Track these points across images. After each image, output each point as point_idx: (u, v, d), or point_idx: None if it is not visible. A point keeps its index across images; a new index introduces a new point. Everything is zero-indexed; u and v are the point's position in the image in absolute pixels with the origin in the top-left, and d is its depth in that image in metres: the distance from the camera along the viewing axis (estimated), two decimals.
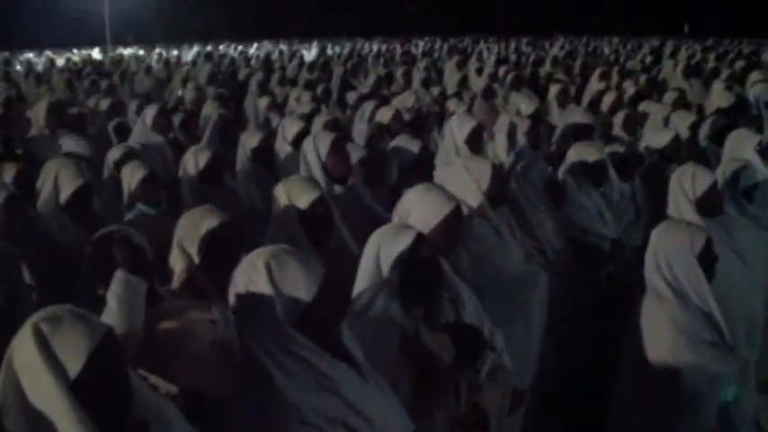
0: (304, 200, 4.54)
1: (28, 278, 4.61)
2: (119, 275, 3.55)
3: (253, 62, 22.91)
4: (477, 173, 4.86)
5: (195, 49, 31.06)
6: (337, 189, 5.54)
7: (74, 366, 2.29)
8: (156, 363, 3.28)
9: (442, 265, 3.66)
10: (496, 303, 4.16)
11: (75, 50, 32.93)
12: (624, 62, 20.22)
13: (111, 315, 3.47)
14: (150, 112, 8.28)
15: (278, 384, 2.76)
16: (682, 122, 8.18)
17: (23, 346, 2.32)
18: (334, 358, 2.86)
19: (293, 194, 4.57)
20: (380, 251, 3.45)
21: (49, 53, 30.12)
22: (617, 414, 4.36)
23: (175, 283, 3.94)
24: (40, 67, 22.98)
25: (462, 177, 4.87)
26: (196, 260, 3.89)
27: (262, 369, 2.79)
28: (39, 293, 4.60)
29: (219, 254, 3.85)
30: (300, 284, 2.83)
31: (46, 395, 2.28)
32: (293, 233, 4.43)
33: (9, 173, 5.63)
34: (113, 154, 6.75)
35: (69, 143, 7.41)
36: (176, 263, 3.95)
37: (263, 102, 10.52)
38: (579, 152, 6.19)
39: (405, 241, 3.44)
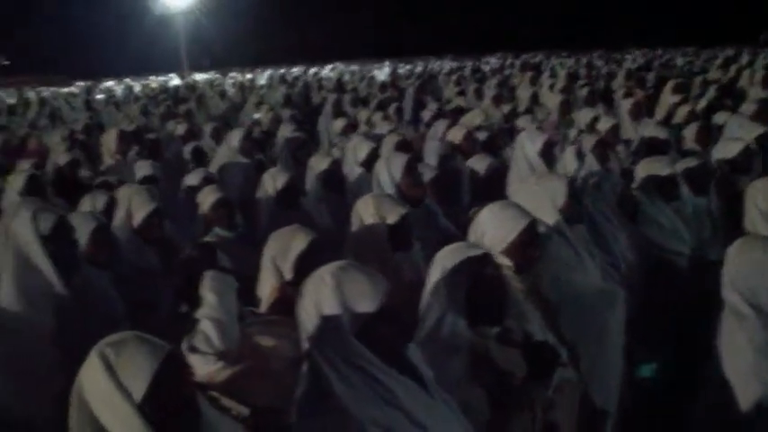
0: (394, 215, 4.60)
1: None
2: (210, 273, 3.68)
3: (325, 84, 23.09)
4: (552, 190, 4.81)
5: (269, 72, 31.44)
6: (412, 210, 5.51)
7: (138, 389, 2.35)
8: (232, 382, 3.33)
9: (508, 283, 3.66)
10: (575, 322, 4.12)
11: (152, 77, 33.54)
12: (698, 73, 19.86)
13: (209, 307, 3.57)
14: (236, 135, 8.38)
15: (339, 396, 2.77)
16: (747, 133, 7.97)
17: (91, 373, 2.39)
18: (398, 374, 2.87)
19: (383, 209, 4.64)
20: (445, 267, 3.46)
21: (127, 80, 30.84)
22: None
23: (266, 301, 3.99)
24: (119, 95, 23.46)
25: (537, 195, 4.82)
26: (288, 278, 3.93)
27: (324, 381, 2.81)
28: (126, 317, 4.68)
29: (310, 271, 3.89)
30: (364, 298, 2.86)
31: (117, 420, 2.34)
32: (378, 246, 4.50)
33: (100, 202, 5.82)
34: (192, 179, 6.84)
35: (142, 168, 7.54)
36: (267, 282, 4.00)
37: (339, 123, 10.58)
38: (649, 167, 6.08)
39: (469, 257, 3.45)
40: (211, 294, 3.64)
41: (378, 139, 7.55)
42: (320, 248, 4.01)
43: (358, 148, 7.08)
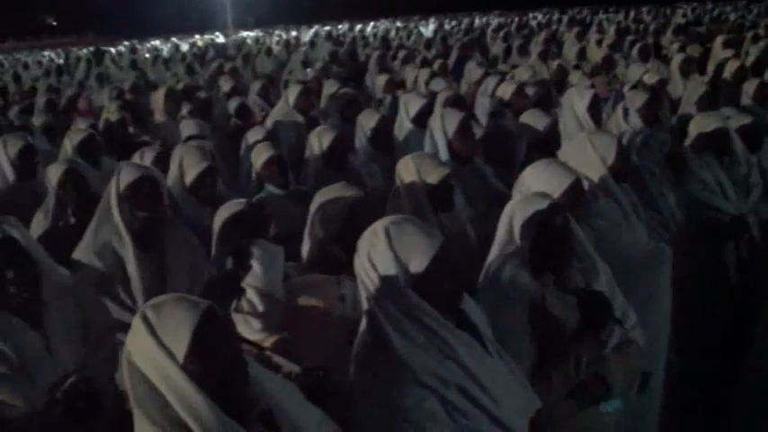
0: (435, 176, 4.60)
1: None
2: (258, 243, 3.72)
3: (371, 40, 22.99)
4: (603, 148, 4.80)
5: (314, 29, 31.38)
6: (461, 168, 5.50)
7: (180, 348, 2.37)
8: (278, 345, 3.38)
9: (578, 235, 3.67)
10: (622, 282, 4.11)
11: (197, 36, 33.63)
12: (750, 27, 19.46)
13: (255, 278, 3.62)
14: (293, 91, 8.39)
15: (397, 349, 2.81)
16: None
17: (136, 336, 2.43)
18: (455, 327, 2.90)
19: (423, 169, 4.63)
20: (514, 219, 3.51)
21: (174, 39, 30.95)
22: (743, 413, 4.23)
23: (308, 254, 4.02)
24: (165, 53, 23.56)
25: (587, 152, 4.81)
26: (332, 233, 3.94)
27: (382, 334, 2.85)
28: None
29: (355, 228, 3.91)
30: (417, 251, 2.87)
31: (164, 380, 2.38)
32: (419, 207, 4.49)
33: (149, 156, 5.88)
34: (253, 136, 6.85)
35: (189, 127, 7.60)
36: (311, 236, 4.03)
37: (382, 80, 10.56)
38: (699, 123, 6.01)
39: (538, 208, 3.49)
40: (258, 265, 3.66)
41: (429, 96, 7.49)
42: (366, 206, 4.00)
43: (409, 104, 6.99)
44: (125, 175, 4.31)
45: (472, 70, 11.07)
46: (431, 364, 2.81)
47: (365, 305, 2.97)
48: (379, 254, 2.91)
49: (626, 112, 6.58)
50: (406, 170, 4.71)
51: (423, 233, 2.93)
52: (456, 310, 2.97)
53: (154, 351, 2.37)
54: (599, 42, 15.24)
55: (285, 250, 3.99)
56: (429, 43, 18.82)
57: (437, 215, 4.58)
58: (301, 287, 3.74)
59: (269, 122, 8.10)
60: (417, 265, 2.86)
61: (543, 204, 3.50)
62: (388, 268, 2.87)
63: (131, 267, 4.21)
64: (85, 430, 3.24)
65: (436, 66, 12.03)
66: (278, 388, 2.66)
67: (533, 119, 6.30)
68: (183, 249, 4.43)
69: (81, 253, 4.27)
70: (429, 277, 2.85)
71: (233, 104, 9.01)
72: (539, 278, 3.44)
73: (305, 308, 3.66)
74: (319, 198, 4.07)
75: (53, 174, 5.29)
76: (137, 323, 2.42)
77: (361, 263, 2.98)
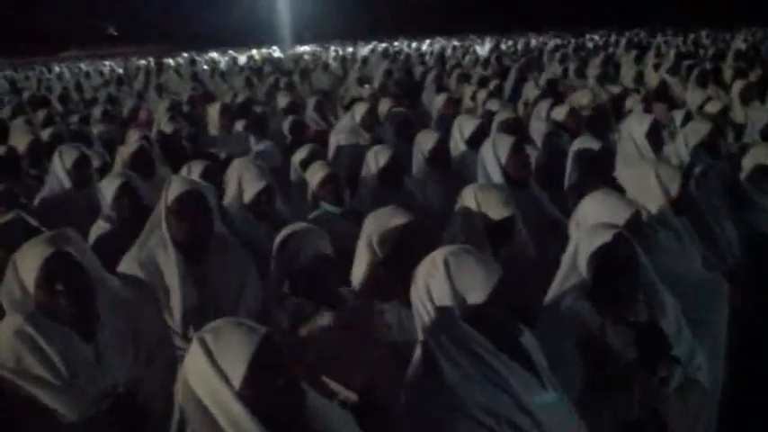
0: (497, 213, 4.56)
1: None
2: None
3: (426, 58, 23.01)
4: (667, 179, 4.74)
5: (370, 45, 31.49)
6: (516, 192, 5.45)
7: (237, 374, 2.39)
8: (336, 368, 3.36)
9: (645, 268, 3.61)
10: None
11: (254, 50, 33.93)
12: None
13: None
14: (360, 109, 8.41)
15: (448, 378, 2.80)
16: None
17: (194, 359, 2.44)
18: (510, 359, 2.87)
19: (486, 205, 4.59)
20: (579, 250, 3.47)
21: (231, 52, 31.25)
22: None
23: (358, 279, 4.02)
24: (223, 66, 23.79)
25: (650, 182, 4.75)
26: (382, 258, 3.96)
27: (434, 363, 2.83)
28: None
29: (404, 253, 3.89)
30: (476, 283, 2.87)
31: (218, 405, 2.39)
32: (476, 240, 4.42)
33: (197, 170, 5.87)
34: (299, 154, 6.85)
35: (249, 144, 7.60)
36: (361, 261, 4.04)
37: (441, 99, 10.54)
38: (757, 155, 5.91)
39: (604, 238, 3.44)
40: None
41: (484, 117, 7.46)
42: (416, 231, 4.01)
43: (463, 126, 6.99)
44: (172, 189, 4.31)
45: (530, 92, 11.01)
46: (483, 398, 2.79)
47: (420, 334, 2.96)
48: (437, 284, 2.91)
49: (689, 139, 6.49)
50: (469, 199, 4.66)
51: (482, 265, 2.92)
52: (513, 342, 2.95)
53: (210, 375, 2.39)
54: (656, 66, 15.10)
55: (339, 268, 3.99)
56: (486, 63, 18.76)
57: (493, 249, 4.48)
58: (349, 314, 3.72)
59: (332, 139, 8.08)
60: (475, 297, 2.86)
61: (609, 236, 3.45)
62: (445, 299, 2.87)
63: (173, 281, 4.21)
64: None
65: (492, 86, 11.99)
66: (333, 416, 2.66)
67: (586, 143, 6.25)
68: (230, 265, 4.41)
69: (126, 264, 4.30)
70: (486, 310, 2.85)
71: (287, 122, 9.04)
72: (600, 310, 3.39)
73: (353, 335, 3.64)
74: (369, 222, 4.09)
75: (108, 187, 5.37)
76: (195, 346, 2.44)
77: (417, 292, 2.98)
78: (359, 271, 4.06)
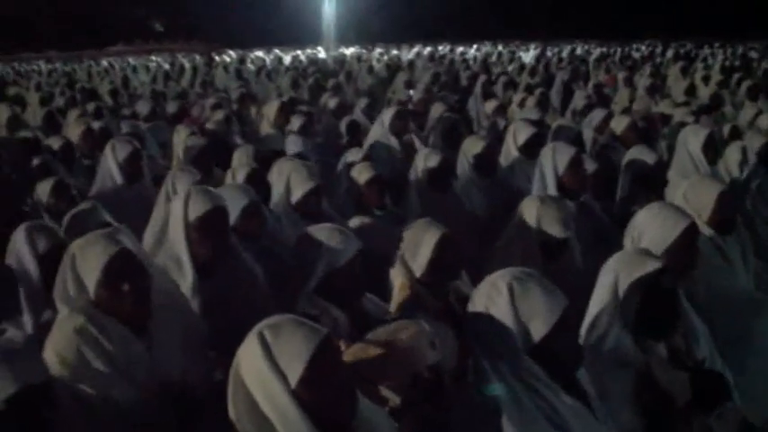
0: (556, 231, 4.51)
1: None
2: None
3: (471, 64, 22.96)
4: (698, 203, 4.64)
5: (415, 49, 31.48)
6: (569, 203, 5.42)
7: (294, 373, 2.37)
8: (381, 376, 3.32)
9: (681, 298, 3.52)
10: (724, 330, 3.99)
11: (299, 51, 34.04)
12: None
13: None
14: (388, 113, 8.39)
15: (505, 411, 2.74)
16: None
17: (249, 354, 2.43)
18: (567, 394, 2.81)
19: (546, 220, 4.54)
20: (619, 278, 3.33)
21: (277, 51, 31.38)
22: None
23: (396, 298, 3.97)
24: (268, 65, 23.90)
25: (694, 196, 4.68)
26: (418, 275, 3.91)
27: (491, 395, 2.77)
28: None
29: (441, 269, 3.88)
30: (541, 313, 2.79)
31: (272, 402, 2.38)
32: (530, 256, 4.40)
33: (241, 174, 5.85)
34: (351, 156, 6.86)
35: (297, 144, 7.62)
36: (397, 277, 4.00)
37: (490, 106, 10.50)
38: None
39: (647, 269, 3.31)
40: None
41: (538, 125, 7.41)
42: (452, 243, 3.96)
43: (518, 133, 6.94)
44: (196, 204, 4.20)
45: (578, 100, 10.95)
46: None
47: (472, 357, 2.90)
48: (499, 311, 2.83)
49: (744, 152, 6.42)
50: (530, 212, 4.60)
51: (548, 294, 2.83)
52: (571, 375, 2.89)
53: (265, 371, 2.38)
54: (704, 78, 14.94)
55: (378, 272, 3.99)
56: (532, 70, 18.69)
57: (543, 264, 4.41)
58: (393, 332, 3.66)
59: (365, 144, 8.11)
60: (539, 328, 2.78)
61: (651, 267, 3.32)
62: (507, 327, 2.80)
63: (192, 297, 4.12)
64: None
65: (538, 93, 11.94)
66: (379, 421, 2.65)
67: (640, 154, 6.20)
68: (243, 279, 4.38)
69: None
70: (549, 342, 2.78)
71: (344, 122, 9.05)
72: (642, 344, 3.29)
73: (401, 348, 3.57)
74: (406, 237, 4.03)
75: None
76: (252, 340, 2.43)
77: (475, 315, 2.92)
78: (396, 284, 4.02)
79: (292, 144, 7.65)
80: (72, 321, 3.33)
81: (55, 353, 3.22)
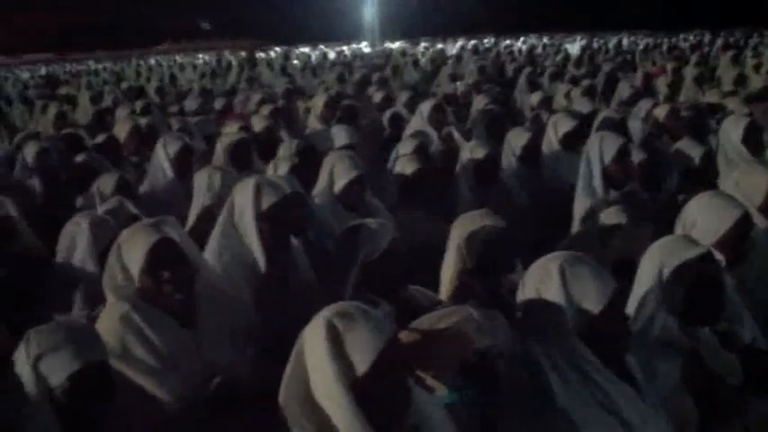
0: (613, 219, 4.55)
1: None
2: None
3: (516, 56, 22.87)
4: (750, 190, 4.60)
5: (459, 42, 31.42)
6: (614, 194, 5.42)
7: (362, 365, 2.37)
8: (428, 364, 3.34)
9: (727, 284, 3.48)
10: None
11: (344, 46, 34.12)
12: None
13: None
14: (426, 106, 8.40)
15: (557, 395, 2.73)
16: None
17: (316, 339, 2.42)
18: (617, 377, 2.81)
19: (606, 216, 4.59)
20: (664, 264, 3.29)
21: (322, 47, 31.51)
22: None
23: (447, 287, 3.97)
24: (314, 61, 24.00)
25: (742, 187, 4.63)
26: (471, 266, 3.89)
27: (542, 377, 2.77)
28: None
29: (494, 259, 3.87)
30: (592, 295, 2.78)
31: (329, 390, 2.37)
32: (589, 248, 4.34)
33: (284, 167, 5.87)
34: (404, 147, 6.86)
35: (341, 135, 7.68)
36: (450, 266, 3.99)
37: (536, 97, 10.48)
38: None
39: (689, 254, 3.27)
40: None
41: (578, 117, 7.39)
42: (508, 236, 3.94)
43: (558, 125, 6.93)
44: (267, 195, 4.24)
45: (624, 91, 10.86)
46: (592, 418, 2.73)
47: (523, 342, 2.90)
48: (550, 293, 2.82)
49: None
50: (580, 207, 4.72)
51: (598, 276, 2.83)
52: (621, 359, 2.89)
53: (330, 359, 2.37)
54: (755, 67, 14.73)
55: (418, 263, 3.98)
56: (578, 61, 18.57)
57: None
58: (438, 319, 3.66)
59: (404, 136, 8.08)
60: (590, 309, 2.77)
61: (694, 252, 3.28)
62: (558, 310, 2.79)
63: (263, 282, 4.16)
64: (226, 430, 3.31)
65: (584, 85, 11.86)
66: (429, 409, 2.65)
67: (688, 147, 6.15)
68: (305, 270, 4.43)
69: (209, 267, 4.16)
70: (600, 324, 2.77)
71: (387, 115, 9.07)
72: (687, 330, 3.26)
73: (445, 335, 3.45)
74: (458, 225, 4.01)
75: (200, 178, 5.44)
76: (321, 326, 2.42)
77: (527, 299, 2.91)
78: (446, 275, 4.01)
79: (338, 136, 7.65)
80: (117, 309, 3.41)
81: None
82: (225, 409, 3.34)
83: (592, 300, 2.78)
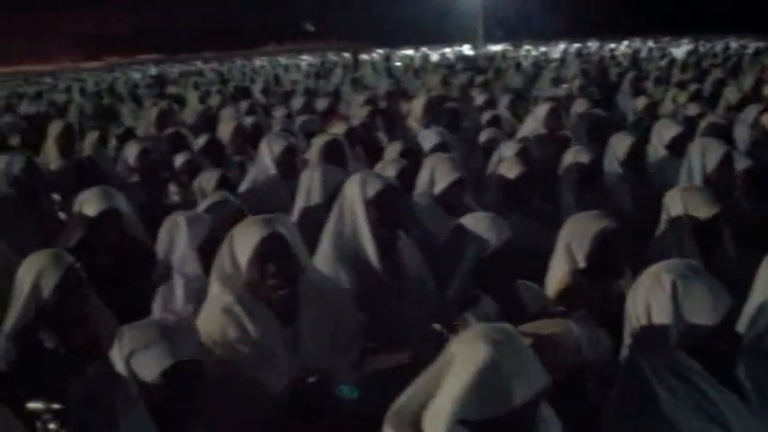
0: (703, 212, 4.43)
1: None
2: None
3: (621, 60, 22.55)
4: None
5: (562, 46, 31.13)
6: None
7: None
8: None
9: None
10: None
11: (447, 48, 34.10)
12: None
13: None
14: (543, 109, 8.37)
15: (662, 405, 2.70)
16: None
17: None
18: (725, 389, 2.76)
19: (692, 205, 4.47)
20: None
21: (424, 49, 31.58)
22: None
23: (555, 287, 3.94)
24: (416, 63, 24.08)
25: None
26: (581, 267, 3.86)
27: (646, 387, 2.74)
28: None
29: (607, 262, 3.83)
30: (704, 310, 2.72)
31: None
32: (685, 245, 4.34)
33: (392, 169, 5.81)
34: (506, 150, 6.84)
35: (430, 136, 7.61)
36: (558, 267, 3.95)
37: (640, 102, 10.34)
38: None
39: None
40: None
41: (684, 122, 7.28)
42: (622, 239, 3.89)
43: (663, 130, 6.84)
44: (372, 184, 4.31)
45: (731, 95, 10.64)
46: (699, 429, 2.68)
47: (627, 350, 2.88)
48: (659, 304, 2.77)
49: None
50: (674, 203, 4.53)
51: (712, 293, 2.75)
52: (729, 372, 2.83)
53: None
54: None
55: (517, 265, 3.94)
56: (684, 66, 18.22)
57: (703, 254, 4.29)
58: (539, 329, 3.60)
59: (516, 138, 8.06)
60: (701, 327, 2.72)
61: None
62: (665, 322, 2.74)
63: (377, 276, 4.21)
64: (315, 429, 3.34)
65: (690, 89, 11.65)
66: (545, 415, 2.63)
67: None
68: (414, 259, 4.45)
69: (324, 262, 4.27)
70: (711, 341, 2.71)
71: (486, 117, 9.06)
72: None
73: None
74: (572, 224, 3.98)
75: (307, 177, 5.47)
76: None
77: (634, 306, 2.87)
78: (554, 276, 3.97)
79: (427, 137, 7.64)
80: (221, 301, 3.47)
81: (202, 330, 3.33)
82: (318, 408, 3.35)
83: (704, 316, 2.72)
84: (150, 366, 2.82)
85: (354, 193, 4.31)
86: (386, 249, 4.27)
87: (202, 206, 5.13)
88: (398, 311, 4.13)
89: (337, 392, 3.15)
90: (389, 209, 4.30)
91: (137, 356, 2.84)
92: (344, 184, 4.46)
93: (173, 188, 6.82)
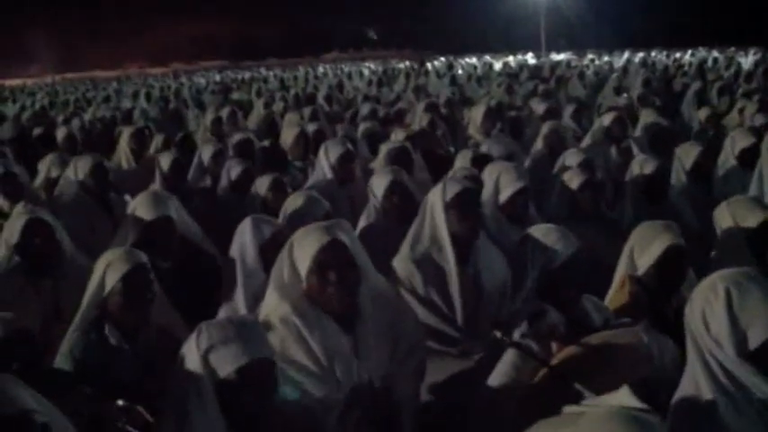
0: (752, 220, 4.42)
1: None
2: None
3: (686, 69, 22.28)
4: None
5: (626, 55, 30.86)
6: None
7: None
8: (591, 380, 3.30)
9: None
10: None
11: (510, 57, 34.02)
12: None
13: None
14: (607, 118, 8.33)
15: (721, 416, 2.67)
16: None
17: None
18: None
19: (739, 215, 4.47)
20: None
21: (487, 57, 31.55)
22: None
23: (613, 291, 3.96)
24: (479, 71, 24.07)
25: None
26: (641, 273, 3.87)
27: (707, 400, 2.72)
28: None
29: (669, 273, 3.84)
30: (758, 320, 2.68)
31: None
32: (739, 254, 4.30)
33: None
34: (570, 159, 6.79)
35: (495, 147, 7.60)
36: (620, 271, 3.97)
37: (703, 113, 10.23)
38: None
39: None
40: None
41: (757, 133, 7.16)
42: (685, 252, 3.89)
43: (736, 141, 6.77)
44: (451, 187, 4.39)
45: None
46: None
47: (691, 360, 2.85)
48: (715, 314, 2.73)
49: None
50: (722, 217, 4.57)
51: (767, 299, 2.72)
52: None
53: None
54: None
55: (584, 275, 3.88)
56: (749, 76, 17.95)
57: (759, 263, 4.25)
58: (610, 338, 3.46)
59: (583, 146, 8.01)
60: (757, 335, 2.67)
61: None
62: (723, 332, 2.70)
63: (453, 280, 4.25)
64: None
65: (756, 99, 11.47)
66: None
67: None
68: (493, 266, 4.45)
69: (401, 263, 4.33)
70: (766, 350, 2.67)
71: (545, 128, 9.03)
72: None
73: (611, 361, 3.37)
74: (638, 232, 4.00)
75: (379, 183, 5.52)
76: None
77: (692, 316, 2.83)
78: (617, 283, 3.99)
79: (493, 147, 7.63)
80: (279, 311, 3.47)
81: None
82: (379, 417, 3.37)
83: (758, 326, 2.68)
84: (226, 362, 2.86)
85: (436, 196, 4.39)
86: (463, 252, 4.32)
87: (289, 205, 5.18)
88: (473, 316, 4.19)
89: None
90: (467, 209, 4.36)
91: (214, 352, 2.88)
92: (431, 190, 4.53)
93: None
